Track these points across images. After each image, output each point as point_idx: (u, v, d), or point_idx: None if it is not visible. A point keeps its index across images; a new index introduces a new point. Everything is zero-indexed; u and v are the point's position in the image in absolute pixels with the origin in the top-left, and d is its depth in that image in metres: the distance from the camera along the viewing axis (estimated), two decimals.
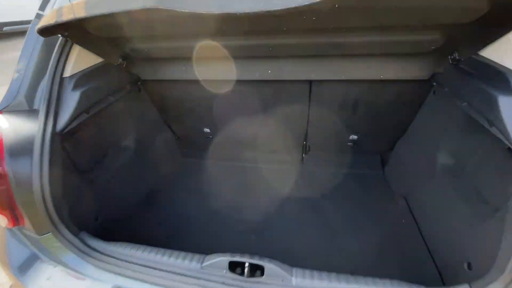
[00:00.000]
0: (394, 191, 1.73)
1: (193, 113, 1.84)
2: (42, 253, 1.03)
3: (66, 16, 0.81)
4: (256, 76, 1.36)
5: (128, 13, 0.80)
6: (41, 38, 1.09)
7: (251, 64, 1.34)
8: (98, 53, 1.22)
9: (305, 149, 2.11)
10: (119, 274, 0.97)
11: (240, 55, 1.26)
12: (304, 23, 0.90)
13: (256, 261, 0.94)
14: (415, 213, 1.53)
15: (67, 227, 1.02)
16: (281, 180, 1.90)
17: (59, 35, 1.04)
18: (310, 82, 1.46)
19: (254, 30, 1.04)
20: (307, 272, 0.93)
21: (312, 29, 1.00)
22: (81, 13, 0.79)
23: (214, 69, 1.38)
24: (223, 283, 0.92)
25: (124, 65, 1.39)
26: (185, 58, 1.37)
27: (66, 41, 1.09)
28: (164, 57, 1.34)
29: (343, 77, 1.29)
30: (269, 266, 0.92)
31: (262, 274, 0.92)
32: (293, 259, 1.37)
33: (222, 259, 0.95)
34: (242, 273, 0.94)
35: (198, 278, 0.94)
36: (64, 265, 1.00)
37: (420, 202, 1.49)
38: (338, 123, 1.74)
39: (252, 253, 1.41)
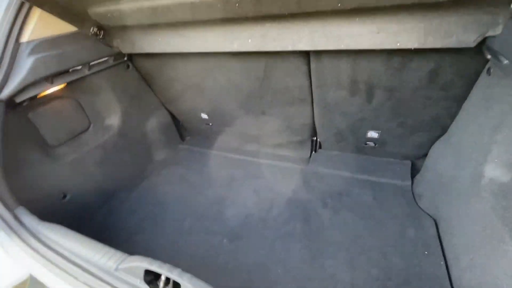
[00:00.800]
0: (422, 210, 1.29)
1: (186, 95, 1.68)
2: None
3: None
4: (235, 46, 1.10)
5: None
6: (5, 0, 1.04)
7: (229, 32, 1.10)
8: (63, 18, 1.13)
9: (315, 146, 1.77)
10: (37, 262, 0.85)
11: (208, 18, 1.02)
12: None
13: (173, 276, 0.71)
14: (445, 245, 1.09)
15: (1, 200, 0.95)
16: (278, 179, 1.61)
17: None
18: (308, 55, 1.14)
19: None
20: None
21: None
22: None
23: (188, 39, 1.18)
24: None
25: (101, 36, 1.30)
26: (158, 27, 1.20)
27: (22, 3, 1.02)
28: (135, 24, 1.19)
29: (342, 47, 0.95)
30: (186, 286, 0.69)
31: None
32: (262, 278, 1.11)
33: (139, 265, 0.75)
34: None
35: (108, 284, 0.76)
36: None
37: (455, 231, 1.04)
38: (350, 114, 1.36)
39: (218, 261, 1.20)
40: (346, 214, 1.34)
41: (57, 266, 0.81)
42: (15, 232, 0.91)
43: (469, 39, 0.80)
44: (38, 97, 1.15)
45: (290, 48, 1.02)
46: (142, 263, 0.75)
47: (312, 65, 1.17)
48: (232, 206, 1.47)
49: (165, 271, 0.73)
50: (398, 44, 0.88)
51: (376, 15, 0.87)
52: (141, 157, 1.78)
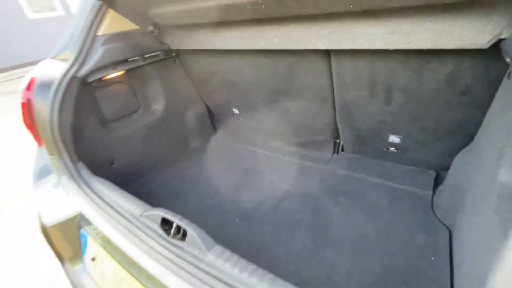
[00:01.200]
0: (438, 218, 1.25)
1: (221, 90, 1.87)
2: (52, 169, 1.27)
3: None
4: (262, 44, 1.24)
5: None
6: (90, 1, 1.35)
7: (258, 31, 1.24)
8: (128, 18, 1.40)
9: (337, 148, 1.80)
10: (87, 203, 1.08)
11: (241, 19, 1.18)
12: None
13: (182, 224, 0.86)
14: (455, 255, 1.05)
15: (69, 155, 1.22)
16: (295, 175, 1.69)
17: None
18: (329, 55, 1.23)
19: None
20: (227, 253, 0.78)
21: None
22: None
23: (224, 37, 1.36)
24: (148, 235, 0.89)
25: (155, 34, 1.56)
26: (200, 26, 1.41)
27: (101, 5, 1.31)
28: (183, 24, 1.42)
29: (357, 46, 1.01)
30: (191, 233, 0.83)
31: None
32: (264, 254, 1.21)
33: (157, 214, 0.92)
34: (169, 234, 0.89)
35: (134, 225, 0.94)
36: (60, 183, 1.21)
37: (464, 238, 1.00)
38: (370, 116, 1.39)
39: (226, 234, 1.33)
40: (356, 213, 1.36)
41: (100, 207, 1.03)
42: (75, 180, 1.17)
43: (483, 41, 0.81)
44: (103, 79, 1.44)
45: (310, 47, 1.12)
46: (160, 213, 0.92)
47: (333, 65, 1.25)
48: (248, 193, 1.59)
49: (176, 219, 0.88)
50: (411, 45, 0.92)
51: (390, 17, 0.93)
52: (178, 141, 2.02)
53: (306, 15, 1.05)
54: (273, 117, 1.83)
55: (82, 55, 1.29)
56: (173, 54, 1.77)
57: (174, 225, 0.88)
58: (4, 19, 8.82)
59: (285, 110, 1.70)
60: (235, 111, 2.01)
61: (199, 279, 0.73)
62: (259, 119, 1.93)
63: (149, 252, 0.85)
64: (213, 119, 2.28)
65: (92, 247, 1.03)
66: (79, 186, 1.15)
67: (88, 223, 1.06)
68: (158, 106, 1.83)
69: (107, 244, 0.98)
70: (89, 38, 1.31)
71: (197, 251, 0.81)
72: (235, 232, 1.33)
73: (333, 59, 1.23)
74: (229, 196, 1.58)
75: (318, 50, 1.20)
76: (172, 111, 1.90)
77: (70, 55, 1.26)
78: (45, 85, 1.19)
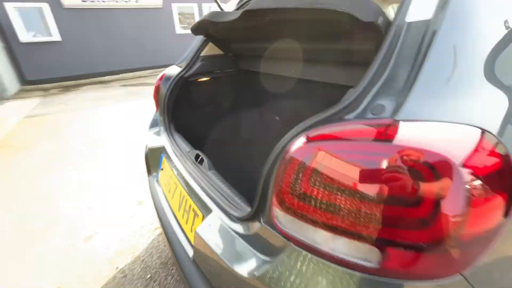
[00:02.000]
0: None
1: (269, 100, 2.62)
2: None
3: (195, 24, 1.94)
4: (285, 72, 1.93)
5: (215, 23, 1.78)
6: (200, 37, 2.37)
7: (284, 65, 1.94)
8: (218, 47, 2.35)
9: None
10: (167, 142, 2.02)
11: (275, 55, 1.92)
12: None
13: (204, 157, 1.64)
14: None
15: (168, 118, 2.22)
16: None
17: (202, 36, 2.25)
18: (323, 85, 1.80)
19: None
20: (216, 173, 1.51)
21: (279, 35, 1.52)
22: (197, 21, 1.88)
23: (270, 65, 2.11)
24: (187, 159, 1.71)
25: (233, 58, 2.46)
26: (258, 57, 2.21)
27: (206, 39, 2.30)
28: (249, 54, 2.25)
29: (333, 81, 1.57)
30: (205, 162, 1.60)
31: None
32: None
33: (194, 151, 1.74)
34: (196, 160, 1.68)
35: (183, 154, 1.79)
36: (160, 131, 2.22)
37: None
38: None
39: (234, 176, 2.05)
40: None
41: (172, 145, 1.93)
42: (166, 130, 2.14)
43: None
44: (197, 80, 2.42)
45: (306, 77, 1.75)
46: (196, 151, 1.73)
47: (324, 91, 1.82)
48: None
49: (202, 155, 1.67)
50: (341, 82, 1.44)
51: (335, 66, 1.48)
52: (231, 131, 2.88)
53: (305, 60, 1.70)
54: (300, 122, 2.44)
55: (190, 65, 2.29)
56: (242, 72, 2.64)
57: (200, 157, 1.67)
58: (162, 32, 12.34)
59: (305, 116, 2.30)
60: (276, 118, 2.71)
61: (201, 181, 1.48)
62: (292, 127, 2.57)
63: (186, 166, 1.66)
64: (262, 120, 3.04)
65: (164, 163, 1.94)
66: (167, 133, 2.11)
67: (165, 151, 1.98)
68: (225, 103, 2.73)
69: (170, 161, 1.86)
70: (195, 57, 2.31)
71: (205, 170, 1.56)
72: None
73: (325, 87, 1.80)
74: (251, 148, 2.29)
75: (314, 81, 1.80)
76: (233, 108, 2.77)
77: (184, 64, 2.28)
78: (168, 79, 2.24)
